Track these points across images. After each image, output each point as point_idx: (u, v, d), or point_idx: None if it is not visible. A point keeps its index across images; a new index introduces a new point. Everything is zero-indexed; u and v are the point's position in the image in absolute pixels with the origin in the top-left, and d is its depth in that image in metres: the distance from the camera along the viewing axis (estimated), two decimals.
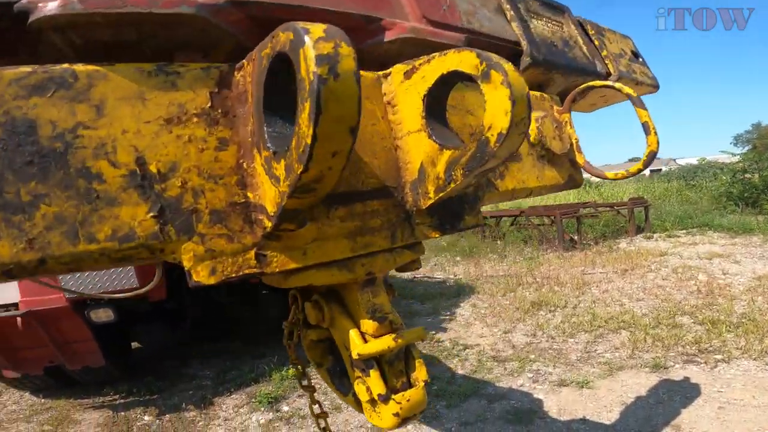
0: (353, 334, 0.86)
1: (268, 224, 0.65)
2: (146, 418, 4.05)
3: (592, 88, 1.14)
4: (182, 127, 0.64)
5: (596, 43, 1.40)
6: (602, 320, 5.49)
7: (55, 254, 0.56)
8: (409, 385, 0.89)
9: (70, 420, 4.07)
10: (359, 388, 0.87)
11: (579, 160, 1.19)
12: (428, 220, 0.89)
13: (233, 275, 0.67)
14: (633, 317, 5.47)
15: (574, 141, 1.18)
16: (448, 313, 6.63)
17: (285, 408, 4.05)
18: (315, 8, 0.81)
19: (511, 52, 1.12)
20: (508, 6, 1.16)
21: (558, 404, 3.66)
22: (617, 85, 1.13)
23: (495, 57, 0.68)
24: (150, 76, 0.63)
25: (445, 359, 4.86)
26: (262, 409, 4.03)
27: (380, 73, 0.86)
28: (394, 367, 0.88)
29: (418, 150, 0.82)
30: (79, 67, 0.61)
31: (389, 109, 0.85)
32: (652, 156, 1.06)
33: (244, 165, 0.67)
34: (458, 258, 11.39)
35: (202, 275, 0.64)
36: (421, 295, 7.77)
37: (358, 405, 0.94)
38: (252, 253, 0.68)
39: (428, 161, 0.80)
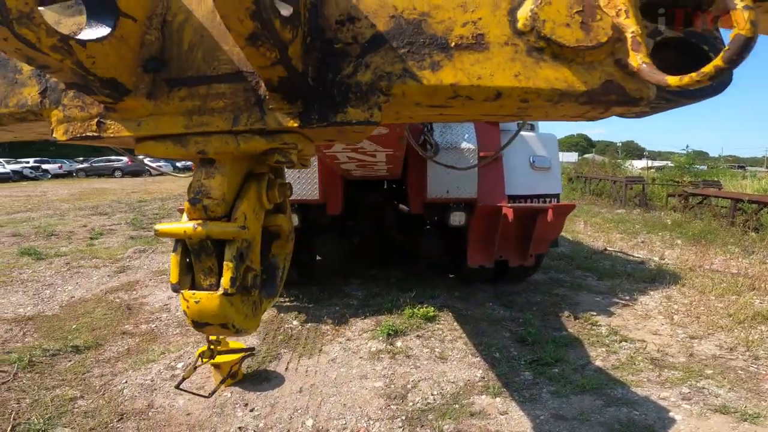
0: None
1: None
2: (294, 322, 4.75)
3: None
4: None
5: None
6: None
7: None
8: (217, 288, 0.82)
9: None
10: None
11: (632, 61, 0.77)
12: (286, 106, 0.77)
13: (78, 135, 0.84)
14: None
15: (629, 35, 0.78)
16: (627, 297, 5.50)
17: (399, 343, 4.15)
18: None
19: None
20: None
21: (692, 430, 2.69)
22: None
23: None
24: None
25: (589, 345, 4.09)
26: (380, 338, 4.22)
27: None
28: (202, 263, 0.83)
29: None
30: None
31: None
32: (741, 42, 0.67)
33: None
34: (679, 241, 9.16)
35: (58, 133, 0.85)
36: (602, 271, 6.65)
37: None
38: (95, 121, 0.83)
39: None
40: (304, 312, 5.00)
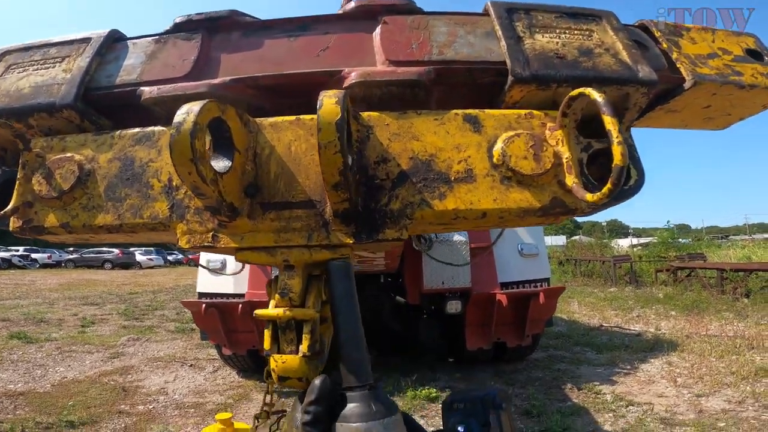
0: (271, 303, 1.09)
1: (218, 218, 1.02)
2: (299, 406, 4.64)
3: (574, 99, 1.00)
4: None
5: (664, 45, 1.23)
6: None
7: (127, 222, 1.06)
8: (296, 353, 1.04)
9: (247, 398, 4.99)
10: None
11: (567, 181, 1.02)
12: (344, 228, 1.02)
13: (197, 245, 1.04)
14: None
15: (564, 160, 1.03)
16: (628, 366, 5.51)
17: None
18: (290, 73, 1.17)
19: (498, 72, 1.13)
20: (498, 26, 1.16)
21: None
22: (587, 91, 0.95)
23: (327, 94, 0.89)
24: None
25: (596, 412, 4.06)
26: None
27: None
28: (286, 336, 1.05)
29: None
30: (156, 128, 1.12)
31: None
32: (618, 171, 0.88)
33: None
34: (673, 312, 9.27)
35: (182, 242, 1.04)
36: (600, 345, 6.67)
37: None
38: (211, 234, 1.04)
39: None
40: None
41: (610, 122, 0.89)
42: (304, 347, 1.02)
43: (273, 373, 1.04)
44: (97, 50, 1.22)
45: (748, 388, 4.36)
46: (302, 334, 1.03)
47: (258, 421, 2.08)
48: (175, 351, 7.12)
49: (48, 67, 1.23)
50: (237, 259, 1.12)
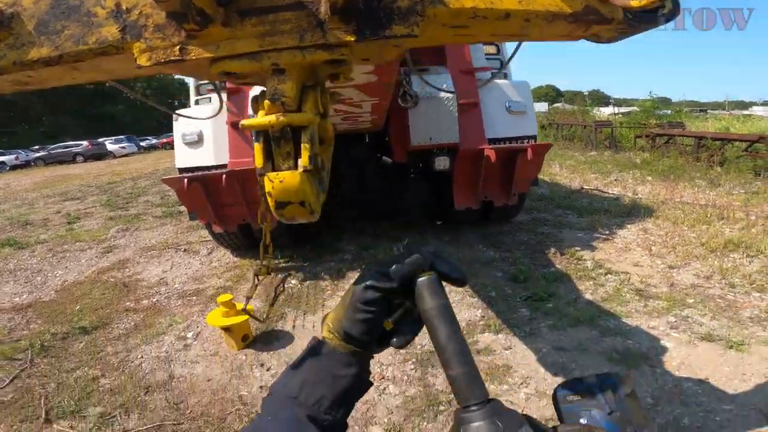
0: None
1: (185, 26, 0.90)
2: (293, 282, 4.82)
3: None
4: None
5: None
6: None
7: (66, 52, 0.95)
8: (295, 168, 0.94)
9: (245, 278, 5.07)
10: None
11: None
12: (343, 25, 0.92)
13: (161, 60, 0.93)
14: None
15: None
16: (607, 232, 5.81)
17: None
18: None
19: None
20: None
21: (684, 358, 2.95)
22: None
23: None
24: None
25: (577, 279, 4.36)
26: None
27: None
28: (281, 148, 0.94)
29: None
30: None
31: None
32: None
33: None
34: (649, 177, 9.57)
35: (142, 60, 0.94)
36: (581, 208, 6.96)
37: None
38: (177, 48, 0.92)
39: None
40: (300, 271, 5.09)
41: None
42: (304, 160, 0.91)
43: (269, 198, 0.92)
44: None
45: (716, 262, 4.60)
46: (300, 145, 0.92)
47: (258, 279, 1.99)
48: (166, 237, 7.17)
49: None
50: (213, 72, 0.98)
